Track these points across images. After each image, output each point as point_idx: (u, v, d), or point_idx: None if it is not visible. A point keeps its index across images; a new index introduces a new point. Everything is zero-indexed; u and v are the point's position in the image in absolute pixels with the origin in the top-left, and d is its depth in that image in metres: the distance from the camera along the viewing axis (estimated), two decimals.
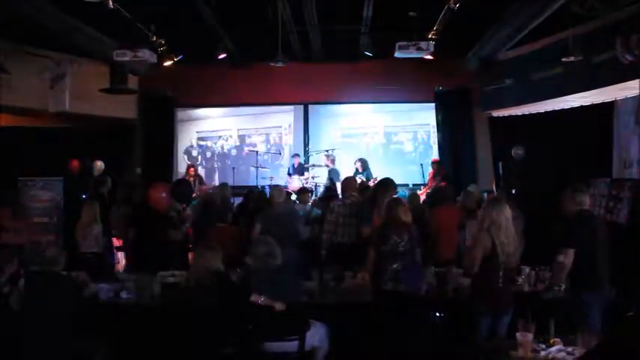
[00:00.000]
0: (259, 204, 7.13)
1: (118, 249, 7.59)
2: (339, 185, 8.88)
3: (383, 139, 12.44)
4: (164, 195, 6.43)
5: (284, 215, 6.60)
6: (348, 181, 7.02)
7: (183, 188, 7.21)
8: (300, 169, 11.22)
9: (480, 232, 4.49)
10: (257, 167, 11.50)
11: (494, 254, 4.40)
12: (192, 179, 10.60)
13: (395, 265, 4.81)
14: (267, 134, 12.76)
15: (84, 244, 6.87)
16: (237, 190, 10.81)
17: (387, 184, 6.46)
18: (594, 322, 4.40)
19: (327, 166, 10.80)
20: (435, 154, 11.93)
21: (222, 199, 7.47)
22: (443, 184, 10.04)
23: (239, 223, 7.18)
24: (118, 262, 7.53)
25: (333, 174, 10.39)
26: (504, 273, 4.44)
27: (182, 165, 12.51)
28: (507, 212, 4.51)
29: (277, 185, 8.05)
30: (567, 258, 4.46)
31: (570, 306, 4.50)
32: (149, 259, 5.92)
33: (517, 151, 9.95)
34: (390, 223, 5.03)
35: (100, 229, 6.97)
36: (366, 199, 6.83)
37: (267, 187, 10.56)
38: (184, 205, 6.97)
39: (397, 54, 7.98)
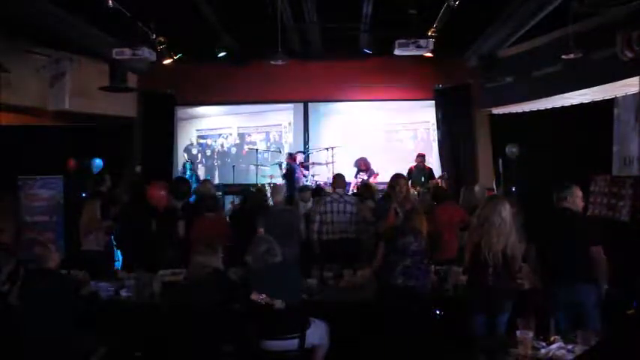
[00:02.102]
0: (258, 202, 7.11)
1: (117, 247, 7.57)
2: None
3: (383, 136, 12.43)
4: (163, 193, 6.44)
5: (283, 213, 6.59)
6: (336, 179, 7.04)
7: (182, 186, 7.21)
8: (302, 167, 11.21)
9: (473, 229, 4.51)
10: (257, 165, 11.49)
11: (482, 251, 4.41)
12: None
13: (407, 262, 4.84)
14: (267, 132, 12.75)
15: (85, 242, 6.88)
16: (237, 187, 10.89)
17: (397, 175, 6.74)
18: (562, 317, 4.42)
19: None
20: (435, 152, 11.94)
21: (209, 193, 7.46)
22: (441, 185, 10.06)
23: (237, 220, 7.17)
24: (118, 260, 7.52)
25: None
26: (495, 270, 4.44)
27: (182, 163, 12.55)
28: (504, 211, 4.51)
29: (276, 184, 8.04)
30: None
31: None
32: (148, 256, 5.93)
33: (511, 149, 9.95)
34: (407, 225, 5.11)
35: (102, 227, 6.97)
36: (381, 198, 6.97)
37: (267, 185, 10.59)
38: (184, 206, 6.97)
39: (397, 51, 7.95)
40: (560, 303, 4.48)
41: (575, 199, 4.79)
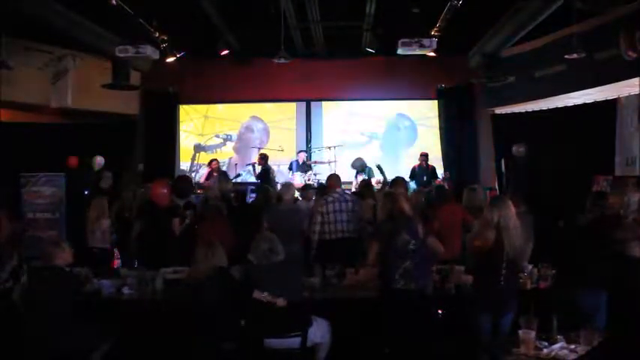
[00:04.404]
0: (265, 200, 7.11)
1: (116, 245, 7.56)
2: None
3: (385, 136, 12.42)
4: (165, 191, 6.44)
5: (289, 212, 6.59)
6: (331, 179, 7.02)
7: (183, 184, 7.21)
8: (305, 166, 11.20)
9: (485, 228, 4.47)
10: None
11: (498, 251, 4.38)
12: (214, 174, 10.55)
13: (407, 263, 4.71)
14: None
15: (91, 239, 6.88)
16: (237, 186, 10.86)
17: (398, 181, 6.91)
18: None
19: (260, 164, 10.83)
20: (437, 152, 11.92)
21: (221, 193, 7.45)
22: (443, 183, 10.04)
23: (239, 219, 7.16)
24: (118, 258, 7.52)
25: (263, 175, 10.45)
26: (507, 270, 4.42)
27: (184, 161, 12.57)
28: (512, 208, 4.51)
29: (287, 182, 8.04)
30: None
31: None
32: (151, 254, 5.94)
33: (518, 149, 9.94)
34: (398, 217, 4.91)
35: (108, 224, 6.97)
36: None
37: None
38: (189, 201, 6.97)
39: (400, 51, 7.94)
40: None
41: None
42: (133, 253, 6.56)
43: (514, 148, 9.89)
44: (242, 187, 9.68)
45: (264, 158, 10.87)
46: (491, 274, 4.42)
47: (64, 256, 4.68)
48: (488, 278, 4.45)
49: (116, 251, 7.48)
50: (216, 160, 11.12)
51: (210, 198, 7.21)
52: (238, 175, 10.90)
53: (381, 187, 8.67)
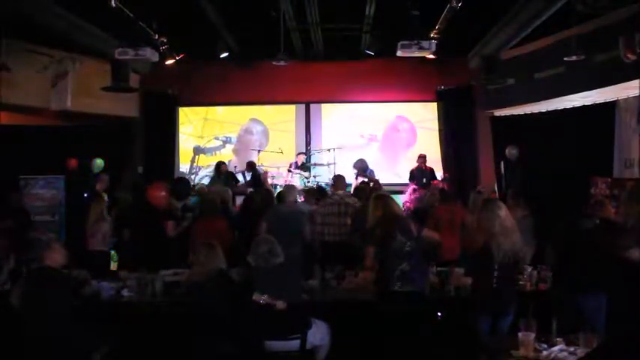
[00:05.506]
0: (266, 203, 7.11)
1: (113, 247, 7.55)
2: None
3: (384, 138, 12.43)
4: (163, 193, 6.44)
5: (291, 213, 6.60)
6: (337, 180, 7.07)
7: (182, 186, 7.23)
8: (303, 168, 11.20)
9: (474, 232, 4.49)
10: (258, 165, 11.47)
11: (487, 255, 4.39)
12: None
13: (403, 266, 4.70)
14: None
15: (91, 242, 6.88)
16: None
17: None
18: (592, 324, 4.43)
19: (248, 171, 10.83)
20: (436, 153, 11.92)
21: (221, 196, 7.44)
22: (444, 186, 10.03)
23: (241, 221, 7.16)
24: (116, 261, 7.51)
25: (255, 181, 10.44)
26: (501, 272, 4.42)
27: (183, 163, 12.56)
28: (504, 210, 4.51)
29: (289, 184, 8.05)
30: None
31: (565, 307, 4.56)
32: (149, 257, 5.93)
33: (511, 151, 9.95)
34: (391, 220, 4.89)
35: (107, 227, 6.97)
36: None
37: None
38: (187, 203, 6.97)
39: (399, 53, 7.94)
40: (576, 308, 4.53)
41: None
42: (128, 255, 6.57)
43: (507, 150, 9.92)
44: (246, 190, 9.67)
45: (251, 165, 10.92)
46: (485, 277, 4.44)
47: (53, 256, 4.64)
48: (483, 280, 4.47)
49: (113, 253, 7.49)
50: (224, 162, 11.12)
51: (209, 193, 7.19)
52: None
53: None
